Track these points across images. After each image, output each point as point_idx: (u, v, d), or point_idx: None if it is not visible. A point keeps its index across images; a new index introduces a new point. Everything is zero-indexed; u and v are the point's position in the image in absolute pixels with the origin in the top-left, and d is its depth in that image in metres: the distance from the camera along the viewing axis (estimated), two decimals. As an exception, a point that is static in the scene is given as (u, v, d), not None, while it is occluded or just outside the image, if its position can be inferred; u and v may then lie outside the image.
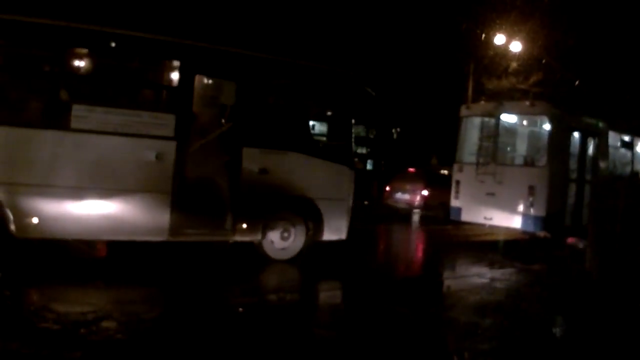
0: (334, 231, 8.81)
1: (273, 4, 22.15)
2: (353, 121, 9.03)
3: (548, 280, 9.06)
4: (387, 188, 18.17)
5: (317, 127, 9.19)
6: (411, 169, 18.83)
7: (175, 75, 7.85)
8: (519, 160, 13.02)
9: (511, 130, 13.38)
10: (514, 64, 26.79)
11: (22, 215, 6.98)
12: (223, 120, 8.36)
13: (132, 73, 8.04)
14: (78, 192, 7.19)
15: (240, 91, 8.12)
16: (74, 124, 7.15)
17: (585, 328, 6.24)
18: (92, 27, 7.25)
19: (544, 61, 25.90)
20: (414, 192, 16.92)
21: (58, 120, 7.13)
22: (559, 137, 12.20)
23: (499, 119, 12.60)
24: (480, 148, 12.56)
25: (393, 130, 35.34)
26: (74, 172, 7.20)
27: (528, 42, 25.46)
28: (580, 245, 10.80)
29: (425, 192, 16.85)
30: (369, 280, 8.21)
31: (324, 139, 9.41)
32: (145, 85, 8.24)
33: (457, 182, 12.91)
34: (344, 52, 21.46)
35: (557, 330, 6.37)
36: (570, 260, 10.17)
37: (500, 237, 13.17)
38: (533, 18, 25.34)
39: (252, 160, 8.09)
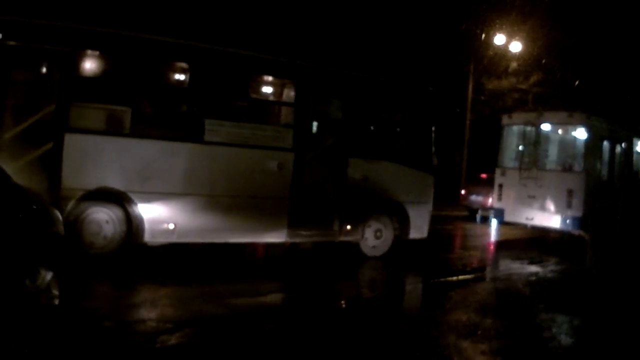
0: (418, 231, 10.31)
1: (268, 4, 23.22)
2: (433, 130, 10.44)
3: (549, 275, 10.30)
4: (463, 191, 21.30)
5: (404, 137, 10.57)
6: (483, 175, 21.49)
7: (293, 94, 9.13)
8: (557, 166, 14.53)
9: (549, 137, 14.92)
10: (514, 64, 28.01)
11: (158, 222, 8.09)
12: (332, 133, 9.66)
13: (258, 91, 9.27)
14: (209, 199, 8.34)
15: (346, 107, 9.49)
16: (206, 137, 8.31)
17: (581, 325, 6.95)
18: (229, 49, 8.44)
19: (544, 61, 27.06)
20: (486, 195, 19.53)
21: (192, 134, 8.28)
22: (593, 145, 13.91)
23: (539, 127, 14.20)
24: (522, 154, 14.21)
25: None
26: (206, 181, 8.35)
27: (528, 42, 26.77)
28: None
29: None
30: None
31: (410, 148, 10.75)
32: (268, 102, 9.52)
33: (500, 186, 14.45)
34: (343, 52, 22.65)
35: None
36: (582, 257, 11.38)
37: (541, 236, 14.99)
38: (533, 18, 26.65)
39: (355, 169, 9.45)
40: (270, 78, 9.38)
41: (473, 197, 20.48)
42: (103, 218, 7.90)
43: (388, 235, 10.07)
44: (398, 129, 10.40)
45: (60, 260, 5.65)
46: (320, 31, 24.47)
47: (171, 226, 8.12)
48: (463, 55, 28.20)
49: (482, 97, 29.76)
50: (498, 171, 14.69)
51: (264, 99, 9.64)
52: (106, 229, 7.91)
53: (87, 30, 7.83)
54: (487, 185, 19.93)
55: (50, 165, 7.58)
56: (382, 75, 10.03)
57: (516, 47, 26.54)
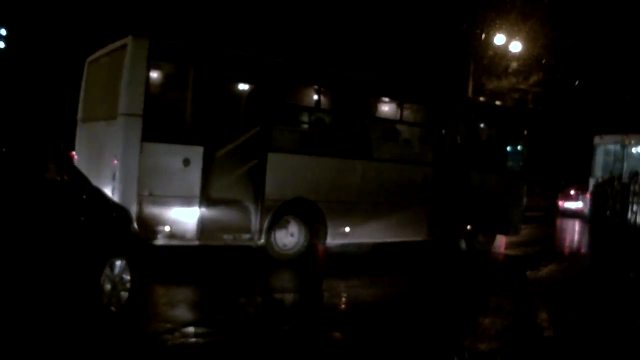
0: (515, 229, 14.14)
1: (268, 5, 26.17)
2: (526, 145, 14.28)
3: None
4: None
5: (506, 152, 14.37)
6: None
7: (429, 117, 12.89)
8: None
9: (633, 154, 20.21)
10: (514, 64, 31.47)
11: (338, 226, 11.31)
12: (458, 150, 13.24)
13: (406, 115, 12.81)
14: (375, 206, 11.70)
15: (469, 128, 13.29)
16: (374, 154, 11.74)
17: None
18: (390, 81, 12.00)
19: (544, 61, 30.57)
20: None
21: (364, 152, 11.67)
22: None
23: (625, 146, 19.63)
24: (613, 167, 19.19)
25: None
26: (373, 191, 11.69)
27: (528, 42, 30.26)
28: None
29: None
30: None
31: (510, 160, 14.45)
32: (414, 125, 13.16)
33: None
34: (342, 53, 25.95)
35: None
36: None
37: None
38: (533, 18, 30.15)
39: (474, 179, 13.09)
40: (414, 104, 12.95)
41: None
42: (297, 223, 10.97)
43: (493, 233, 13.79)
44: (502, 145, 14.13)
45: (135, 254, 6.80)
46: (319, 31, 27.57)
47: (347, 229, 11.41)
48: (463, 55, 31.45)
49: (482, 97, 33.12)
50: (592, 180, 20.02)
51: (411, 122, 13.20)
52: (298, 233, 11.00)
53: (285, 64, 11.09)
54: None
55: (256, 179, 10.47)
56: (493, 101, 13.83)
57: (516, 47, 29.34)
